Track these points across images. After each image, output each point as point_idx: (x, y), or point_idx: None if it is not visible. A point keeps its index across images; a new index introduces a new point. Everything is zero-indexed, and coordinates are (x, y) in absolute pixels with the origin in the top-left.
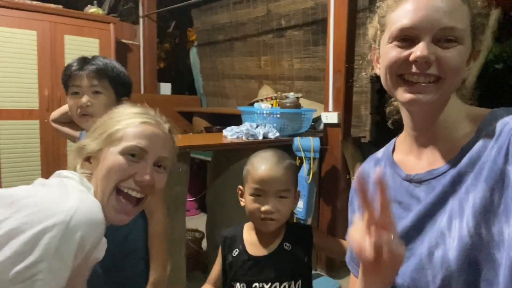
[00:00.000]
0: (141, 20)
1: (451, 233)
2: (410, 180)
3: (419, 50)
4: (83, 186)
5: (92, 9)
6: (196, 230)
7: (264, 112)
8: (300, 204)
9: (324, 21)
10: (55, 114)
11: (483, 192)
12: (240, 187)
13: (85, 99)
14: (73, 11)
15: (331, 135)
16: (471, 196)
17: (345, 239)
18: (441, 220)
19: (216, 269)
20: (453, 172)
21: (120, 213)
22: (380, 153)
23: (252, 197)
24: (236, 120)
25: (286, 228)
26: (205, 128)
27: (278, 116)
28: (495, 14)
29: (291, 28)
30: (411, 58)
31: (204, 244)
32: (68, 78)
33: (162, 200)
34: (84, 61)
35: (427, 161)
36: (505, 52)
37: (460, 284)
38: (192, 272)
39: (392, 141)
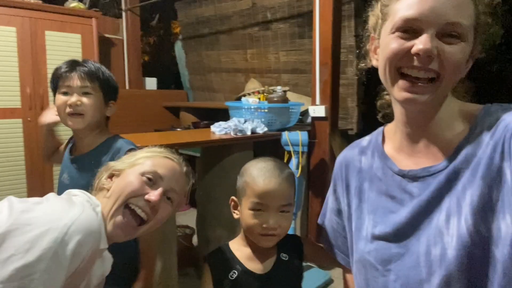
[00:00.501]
0: (123, 14)
1: (449, 231)
2: (403, 175)
3: (421, 43)
4: (89, 203)
5: (73, 4)
6: (187, 227)
7: (252, 107)
8: None
9: (309, 14)
10: (47, 119)
11: (481, 189)
12: (234, 198)
13: (75, 98)
14: (54, 6)
15: (319, 129)
16: (468, 194)
17: None
18: (438, 218)
19: None
20: (449, 169)
21: (120, 228)
22: (365, 141)
23: (251, 212)
24: (223, 114)
25: None
26: (193, 123)
27: (266, 110)
28: None
29: (276, 20)
30: (413, 50)
31: (194, 240)
32: (58, 79)
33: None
34: (75, 63)
35: (422, 158)
36: (486, 41)
37: (460, 282)
38: (183, 268)
39: (379, 130)
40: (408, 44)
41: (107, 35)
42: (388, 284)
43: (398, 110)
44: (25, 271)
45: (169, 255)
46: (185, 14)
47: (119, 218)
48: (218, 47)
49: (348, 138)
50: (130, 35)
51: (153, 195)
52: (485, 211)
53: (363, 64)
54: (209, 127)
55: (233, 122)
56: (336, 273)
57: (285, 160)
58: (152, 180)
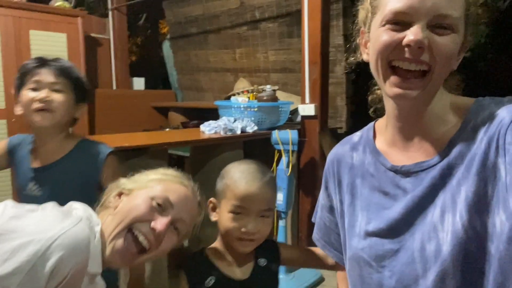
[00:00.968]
0: (110, 13)
1: (444, 227)
2: (396, 171)
3: (412, 34)
4: (89, 220)
5: (58, 3)
6: None
7: (241, 106)
8: (280, 197)
9: (298, 13)
10: None
11: (475, 185)
12: (213, 200)
13: (44, 93)
14: (38, 5)
15: (309, 127)
16: (463, 189)
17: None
18: (433, 213)
19: None
20: (442, 164)
21: (119, 253)
22: (356, 137)
23: (231, 215)
24: (213, 114)
25: None
26: (182, 123)
27: (256, 109)
28: None
29: (265, 20)
30: (404, 41)
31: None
32: (26, 74)
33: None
34: (45, 59)
35: (415, 153)
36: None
37: (455, 278)
38: (173, 269)
39: (370, 126)
40: (399, 35)
41: (93, 35)
42: (383, 281)
43: (389, 105)
44: (1, 281)
45: (158, 260)
46: (172, 13)
47: (119, 242)
48: (207, 47)
49: (337, 137)
50: (117, 35)
51: (160, 223)
52: (480, 207)
53: (353, 59)
54: (198, 127)
55: (222, 121)
56: (327, 272)
57: (275, 159)
58: (162, 206)
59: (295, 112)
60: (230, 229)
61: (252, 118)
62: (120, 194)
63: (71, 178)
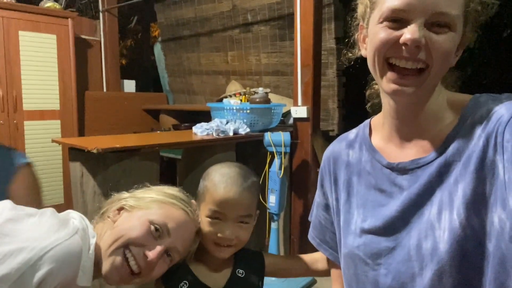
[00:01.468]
0: (101, 15)
1: (440, 225)
2: (392, 168)
3: (409, 32)
4: (84, 231)
5: (48, 4)
6: None
7: (234, 108)
8: (273, 199)
9: (290, 16)
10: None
11: (473, 182)
12: (194, 202)
13: None
14: (28, 5)
15: (301, 129)
16: (460, 187)
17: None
18: (429, 211)
19: None
20: (439, 161)
21: (117, 270)
22: (352, 134)
23: (208, 219)
24: (204, 116)
25: (235, 253)
26: (173, 126)
27: (248, 111)
28: None
29: (257, 23)
30: (401, 40)
31: None
32: None
33: None
34: None
35: (411, 150)
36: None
37: (452, 276)
38: None
39: (366, 123)
40: (397, 33)
41: (83, 36)
42: (378, 279)
43: (386, 102)
44: None
45: None
46: (164, 16)
47: (118, 259)
48: (199, 49)
49: (329, 139)
50: (108, 37)
51: (153, 252)
52: (478, 205)
53: (351, 54)
54: (190, 129)
55: (215, 123)
56: None
57: (268, 161)
58: (159, 232)
59: (287, 114)
60: (206, 234)
61: (245, 120)
62: (120, 209)
63: None
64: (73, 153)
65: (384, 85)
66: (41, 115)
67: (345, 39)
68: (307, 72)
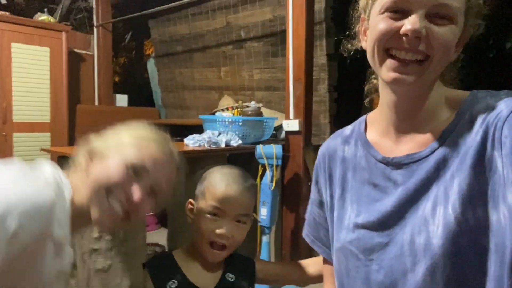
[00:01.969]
0: (95, 30)
1: (434, 220)
2: (386, 162)
3: (410, 23)
4: (56, 183)
5: (42, 17)
6: (157, 244)
7: (226, 120)
8: (264, 212)
9: (282, 33)
10: None
11: (470, 177)
12: (192, 201)
13: None
14: (22, 18)
15: (293, 142)
16: (456, 182)
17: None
18: (425, 207)
19: None
20: (437, 156)
21: (108, 218)
22: (348, 130)
23: (207, 216)
24: (197, 131)
25: (226, 257)
26: None
27: (240, 124)
28: None
29: (250, 39)
30: (402, 31)
31: None
32: None
33: None
34: None
35: (406, 145)
36: None
37: (445, 272)
38: None
39: (362, 119)
40: (397, 24)
41: (77, 50)
42: (370, 274)
43: (384, 94)
44: None
45: (137, 273)
46: (158, 32)
47: (103, 207)
48: (192, 65)
49: None
50: (102, 51)
51: (136, 194)
52: (475, 200)
53: (349, 45)
54: (182, 141)
55: (206, 135)
56: None
57: (259, 173)
58: (137, 171)
59: (279, 128)
60: (204, 231)
61: (237, 132)
62: (91, 157)
63: None
64: (63, 163)
65: (384, 74)
66: (31, 127)
67: (351, 24)
68: (299, 86)
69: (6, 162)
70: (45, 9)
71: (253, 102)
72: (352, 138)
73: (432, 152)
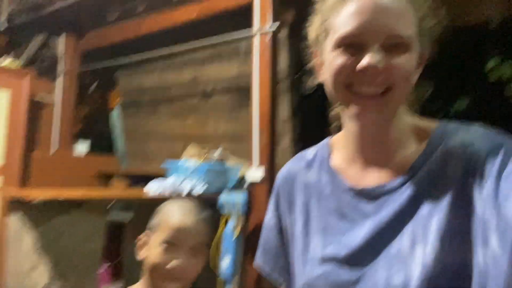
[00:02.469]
0: (60, 77)
1: (414, 259)
2: (354, 192)
3: (365, 59)
4: None
5: (6, 61)
6: None
7: (190, 167)
8: (226, 263)
9: (247, 88)
10: None
11: (449, 217)
12: (142, 236)
13: None
14: None
15: (257, 191)
16: (435, 221)
17: None
18: (400, 243)
19: None
20: (409, 190)
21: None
22: (310, 154)
23: (161, 248)
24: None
25: None
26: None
27: (204, 171)
28: None
29: (216, 93)
30: (358, 67)
31: None
32: None
33: None
34: None
35: (375, 174)
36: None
37: None
38: None
39: (324, 142)
40: (353, 59)
41: (39, 95)
42: None
43: (349, 124)
44: None
45: None
46: (125, 83)
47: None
48: (157, 115)
49: None
50: (65, 99)
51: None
52: (454, 240)
53: (310, 83)
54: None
55: (169, 181)
56: None
57: (222, 222)
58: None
59: (243, 178)
60: (158, 264)
61: (201, 179)
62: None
63: None
64: (14, 205)
65: (347, 109)
66: None
67: (306, 60)
68: (263, 136)
69: None
70: (12, 52)
71: (218, 150)
72: (315, 162)
73: (402, 185)
